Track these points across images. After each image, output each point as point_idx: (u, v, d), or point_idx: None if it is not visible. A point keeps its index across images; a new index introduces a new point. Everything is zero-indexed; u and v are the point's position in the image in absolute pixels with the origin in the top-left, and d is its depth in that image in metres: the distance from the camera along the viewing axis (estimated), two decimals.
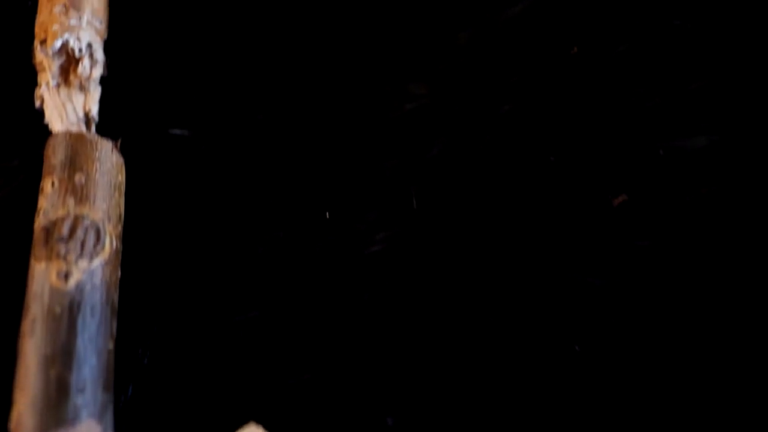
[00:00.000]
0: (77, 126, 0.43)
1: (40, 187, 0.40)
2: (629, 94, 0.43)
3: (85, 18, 0.44)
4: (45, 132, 0.43)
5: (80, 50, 0.44)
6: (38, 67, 0.44)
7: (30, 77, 0.45)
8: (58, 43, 0.43)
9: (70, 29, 0.43)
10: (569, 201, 0.41)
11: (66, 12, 0.44)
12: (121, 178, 0.42)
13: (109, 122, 0.44)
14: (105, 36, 0.45)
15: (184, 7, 0.47)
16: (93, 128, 0.43)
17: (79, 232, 0.38)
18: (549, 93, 0.43)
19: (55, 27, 0.43)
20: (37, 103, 0.44)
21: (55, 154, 0.41)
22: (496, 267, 0.40)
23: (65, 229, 0.38)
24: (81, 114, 0.43)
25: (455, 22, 0.46)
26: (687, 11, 0.44)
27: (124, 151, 0.43)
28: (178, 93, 0.45)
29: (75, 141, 0.41)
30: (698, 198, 0.40)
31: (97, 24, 0.45)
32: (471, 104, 0.44)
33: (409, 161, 0.43)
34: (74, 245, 0.38)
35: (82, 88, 0.44)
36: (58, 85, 0.44)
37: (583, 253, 0.40)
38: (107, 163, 0.41)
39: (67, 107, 0.43)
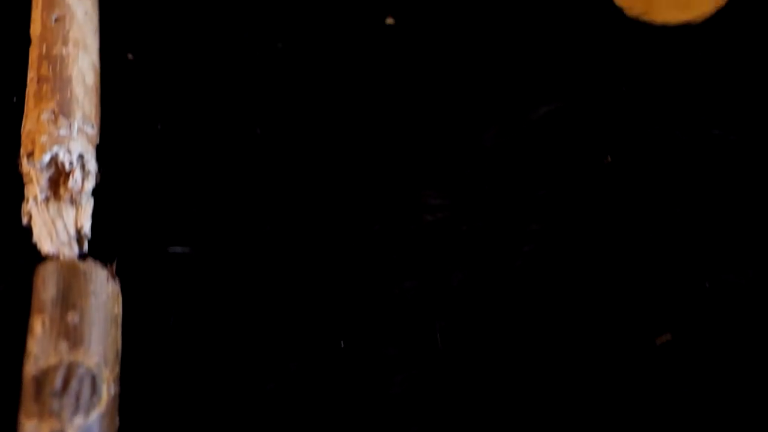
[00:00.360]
0: (68, 245, 0.40)
1: (29, 325, 0.37)
2: (670, 216, 0.40)
3: (75, 125, 0.40)
4: (33, 253, 0.40)
5: (71, 163, 0.40)
6: (25, 179, 0.41)
7: (15, 186, 0.41)
8: (47, 158, 0.40)
9: (59, 140, 0.40)
10: (608, 340, 0.38)
11: (55, 120, 0.40)
12: (118, 309, 0.38)
13: (103, 236, 0.41)
14: (97, 141, 0.42)
15: (182, 107, 0.44)
16: (85, 246, 0.40)
17: (74, 384, 0.35)
18: (581, 210, 0.40)
19: (44, 138, 0.40)
20: (25, 220, 0.40)
21: (46, 288, 0.37)
22: (529, 418, 0.37)
23: (58, 381, 0.35)
24: (72, 231, 0.40)
25: (477, 124, 0.42)
26: (730, 121, 0.41)
27: (119, 272, 0.39)
28: (178, 205, 0.42)
29: (67, 272, 0.37)
30: (749, 338, 0.37)
31: (88, 130, 0.41)
32: (496, 222, 0.40)
33: (431, 285, 0.40)
34: (68, 400, 0.35)
35: (73, 202, 0.40)
36: (47, 199, 0.40)
37: (624, 397, 0.36)
38: (102, 295, 0.37)
39: (57, 224, 0.40)
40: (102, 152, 0.42)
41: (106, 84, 0.44)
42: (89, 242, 0.40)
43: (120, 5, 0.46)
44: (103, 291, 0.38)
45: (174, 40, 0.46)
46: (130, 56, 0.45)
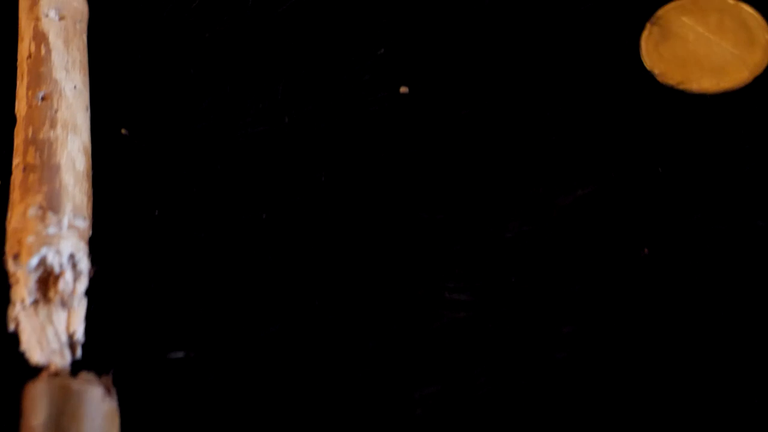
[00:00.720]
0: (60, 354, 0.36)
1: None
2: (715, 319, 0.36)
3: (65, 221, 0.37)
4: (21, 362, 0.37)
5: (61, 265, 0.37)
6: (11, 280, 0.37)
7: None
8: (35, 261, 0.36)
9: (48, 240, 0.37)
10: None
11: (43, 216, 0.37)
12: (115, 430, 0.35)
13: (97, 338, 0.38)
14: (90, 233, 0.38)
15: (182, 190, 0.41)
16: (78, 352, 0.37)
17: None
18: (617, 310, 0.37)
19: (30, 239, 0.36)
20: (11, 326, 0.37)
21: (35, 413, 0.34)
22: None
23: None
24: (64, 338, 0.37)
25: (500, 210, 0.39)
26: None
27: (115, 380, 0.36)
28: (178, 302, 0.38)
29: (58, 395, 0.34)
30: None
31: (80, 224, 0.38)
32: (524, 323, 0.37)
33: (454, 392, 0.36)
34: None
35: (64, 305, 0.37)
36: (35, 303, 0.37)
37: None
38: (98, 418, 0.34)
39: (47, 331, 0.37)
40: (95, 244, 0.39)
41: (98, 164, 0.41)
42: (83, 346, 0.37)
43: (112, 75, 0.43)
44: (98, 413, 0.34)
45: (172, 113, 0.42)
46: (123, 131, 0.42)
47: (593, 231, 0.38)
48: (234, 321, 0.38)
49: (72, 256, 0.37)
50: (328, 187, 0.40)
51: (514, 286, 0.38)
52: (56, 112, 0.40)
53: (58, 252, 0.37)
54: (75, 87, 0.41)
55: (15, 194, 0.38)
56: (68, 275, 0.37)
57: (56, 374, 0.35)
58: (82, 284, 0.37)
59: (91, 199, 0.39)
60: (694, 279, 0.37)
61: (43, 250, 0.36)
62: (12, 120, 0.41)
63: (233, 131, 0.42)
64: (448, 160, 0.41)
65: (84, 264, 0.37)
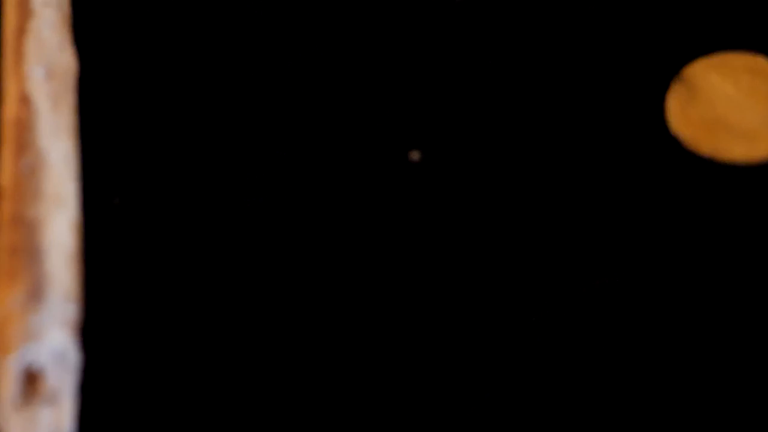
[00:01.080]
0: None
1: None
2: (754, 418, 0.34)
3: (52, 309, 0.35)
4: None
5: (48, 360, 0.34)
6: None
7: None
8: (18, 358, 0.34)
9: (33, 335, 0.34)
10: None
11: (27, 306, 0.34)
12: None
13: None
14: (80, 319, 0.36)
15: (180, 266, 0.38)
16: None
17: None
18: (638, 411, 0.35)
19: (14, 333, 0.34)
20: None
21: None
22: None
23: None
24: None
25: (516, 300, 0.37)
26: None
27: None
28: (179, 391, 0.36)
29: None
30: None
31: (68, 312, 0.35)
32: (540, 419, 0.35)
33: None
34: None
35: (51, 401, 0.34)
36: (20, 399, 0.34)
37: None
38: None
39: (33, 430, 0.34)
40: (86, 327, 0.36)
41: (88, 236, 0.38)
42: None
43: (102, 138, 0.40)
44: None
45: (167, 181, 0.40)
46: (116, 201, 0.40)
47: (611, 326, 0.36)
48: (241, 412, 0.36)
49: (58, 350, 0.34)
50: (335, 262, 0.38)
51: (530, 382, 0.35)
52: (43, 185, 0.37)
53: (43, 346, 0.34)
54: (63, 155, 0.38)
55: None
56: (55, 370, 0.34)
57: None
58: (70, 379, 0.35)
59: (82, 278, 0.37)
60: (726, 378, 0.35)
61: (27, 346, 0.34)
62: None
63: (234, 200, 0.39)
64: (462, 232, 0.38)
65: (72, 357, 0.35)
